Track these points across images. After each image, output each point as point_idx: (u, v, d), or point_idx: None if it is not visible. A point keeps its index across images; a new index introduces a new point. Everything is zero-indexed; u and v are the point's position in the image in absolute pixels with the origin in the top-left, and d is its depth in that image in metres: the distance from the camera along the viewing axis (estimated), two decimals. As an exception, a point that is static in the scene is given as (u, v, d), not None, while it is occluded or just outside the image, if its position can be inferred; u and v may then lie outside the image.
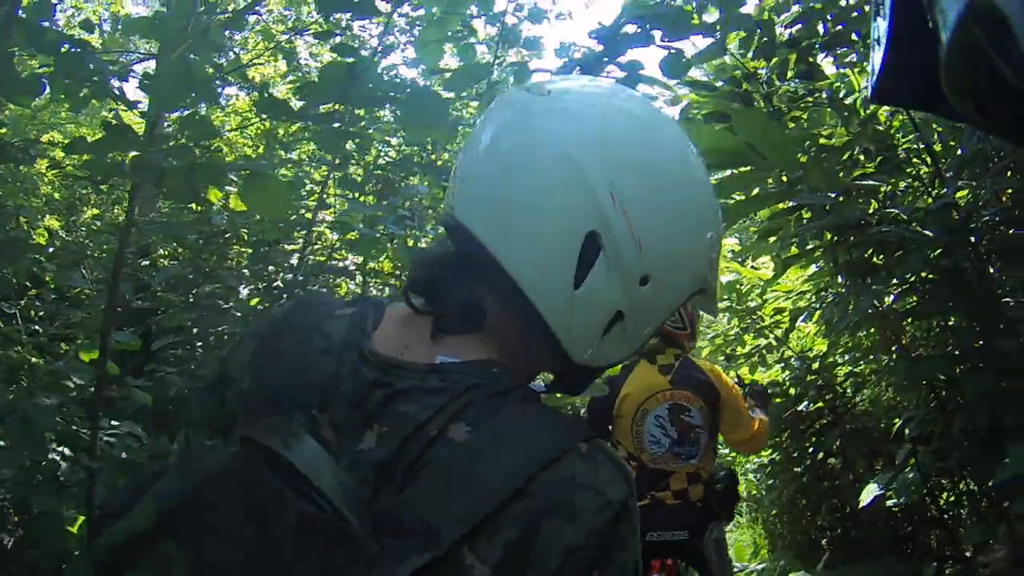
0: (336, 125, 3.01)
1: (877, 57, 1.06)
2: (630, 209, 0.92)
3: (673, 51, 2.95)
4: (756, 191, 3.36)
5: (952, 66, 0.83)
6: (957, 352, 3.82)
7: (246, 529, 0.84)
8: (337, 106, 2.93)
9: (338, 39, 4.04)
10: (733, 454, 6.53)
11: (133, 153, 2.62)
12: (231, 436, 0.91)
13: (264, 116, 3.07)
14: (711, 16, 3.50)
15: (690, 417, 3.78)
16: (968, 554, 4.11)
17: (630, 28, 2.89)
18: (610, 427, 3.86)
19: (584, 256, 0.93)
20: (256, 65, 9.61)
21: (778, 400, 5.26)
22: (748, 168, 2.51)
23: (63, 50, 2.66)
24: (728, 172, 2.71)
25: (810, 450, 5.51)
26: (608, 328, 0.98)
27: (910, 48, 0.98)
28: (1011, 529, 3.20)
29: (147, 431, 4.08)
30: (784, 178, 3.35)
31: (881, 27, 1.05)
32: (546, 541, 0.83)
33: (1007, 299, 3.56)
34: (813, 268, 4.34)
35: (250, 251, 5.77)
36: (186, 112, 3.00)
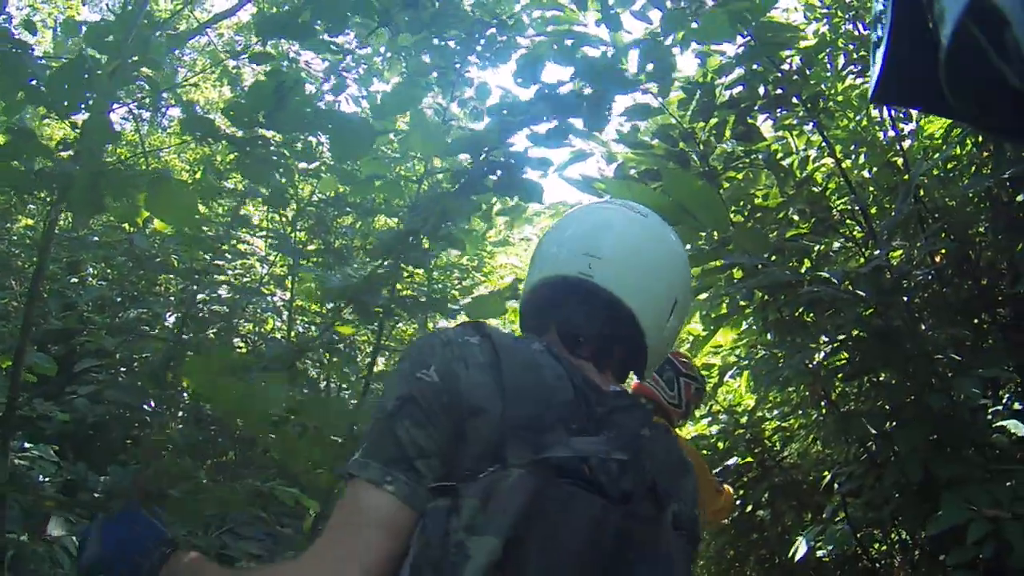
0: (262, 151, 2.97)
1: (877, 57, 1.06)
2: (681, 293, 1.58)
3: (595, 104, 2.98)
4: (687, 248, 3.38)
5: (952, 66, 0.84)
6: (888, 407, 3.86)
7: (572, 542, 1.15)
8: (263, 131, 2.89)
9: (284, 65, 4.00)
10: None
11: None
12: (506, 459, 1.19)
13: (192, 136, 3.02)
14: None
15: None
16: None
17: (566, 88, 2.92)
18: None
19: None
20: (193, 85, 9.49)
21: (705, 453, 5.27)
22: (683, 228, 2.52)
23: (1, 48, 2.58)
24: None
25: (738, 503, 5.52)
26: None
27: (910, 48, 0.98)
28: (948, 581, 3.23)
29: (64, 455, 3.97)
30: (716, 236, 3.38)
31: (881, 27, 1.05)
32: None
33: (939, 356, 3.61)
34: (744, 325, 4.35)
35: (179, 278, 5.68)
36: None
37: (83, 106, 2.55)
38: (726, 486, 4.17)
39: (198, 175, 8.35)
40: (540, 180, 3.06)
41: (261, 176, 3.13)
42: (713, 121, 3.96)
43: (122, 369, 5.28)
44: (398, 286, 3.50)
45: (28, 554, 3.12)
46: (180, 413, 5.44)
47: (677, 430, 4.15)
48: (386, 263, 3.25)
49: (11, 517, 3.07)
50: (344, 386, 6.23)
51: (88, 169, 2.46)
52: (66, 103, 2.50)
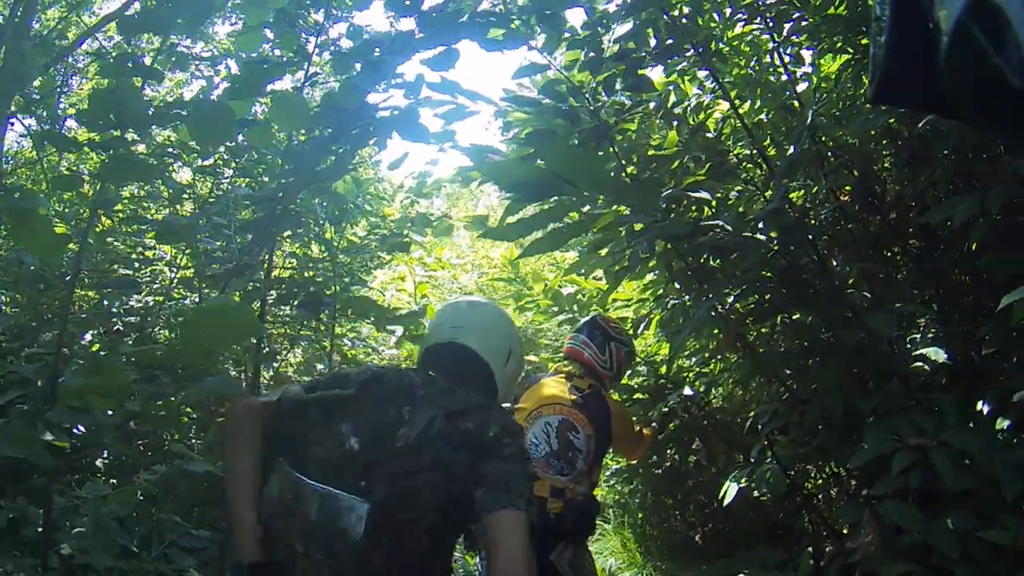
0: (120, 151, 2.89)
1: (877, 58, 1.06)
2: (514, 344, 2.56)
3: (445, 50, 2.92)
4: (575, 216, 3.35)
5: (952, 66, 0.85)
6: (804, 345, 3.89)
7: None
8: (116, 132, 2.80)
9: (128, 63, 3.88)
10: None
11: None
12: None
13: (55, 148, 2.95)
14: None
15: (575, 438, 3.91)
16: (846, 531, 4.20)
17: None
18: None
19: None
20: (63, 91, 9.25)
21: (631, 406, 5.31)
22: (565, 199, 2.50)
23: None
24: (545, 203, 2.70)
25: (669, 451, 5.56)
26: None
27: (910, 48, 0.98)
28: (874, 512, 3.26)
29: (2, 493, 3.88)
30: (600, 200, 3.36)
31: (881, 28, 1.05)
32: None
33: (851, 291, 3.65)
34: (650, 276, 4.36)
35: (91, 294, 5.54)
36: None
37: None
38: (644, 430, 4.37)
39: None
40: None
41: (125, 177, 3.05)
42: (603, 74, 3.91)
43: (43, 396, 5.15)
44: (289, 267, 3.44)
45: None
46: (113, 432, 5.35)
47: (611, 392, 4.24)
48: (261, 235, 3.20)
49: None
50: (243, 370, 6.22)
51: None
52: None
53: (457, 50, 2.95)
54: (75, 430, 3.00)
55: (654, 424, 4.78)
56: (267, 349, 6.15)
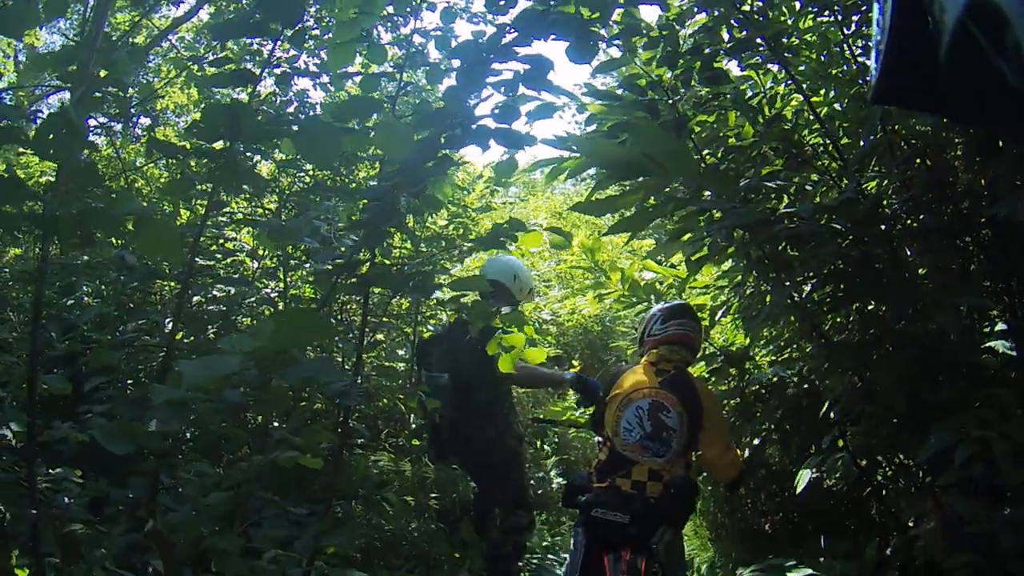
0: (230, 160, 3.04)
1: (878, 57, 1.09)
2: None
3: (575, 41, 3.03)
4: (653, 200, 3.43)
5: (952, 66, 0.86)
6: (878, 336, 3.92)
7: None
8: (227, 144, 2.96)
9: (245, 65, 4.05)
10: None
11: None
12: None
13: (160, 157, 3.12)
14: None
15: (667, 417, 4.06)
16: (911, 525, 4.22)
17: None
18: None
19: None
20: (159, 97, 9.48)
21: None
22: (652, 178, 2.58)
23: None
24: (630, 183, 2.78)
25: (746, 439, 5.58)
26: None
27: (910, 48, 1.00)
28: (936, 502, 3.29)
29: (83, 475, 4.05)
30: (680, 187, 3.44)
31: (882, 27, 1.07)
32: None
33: (926, 281, 3.66)
34: (728, 263, 4.42)
35: (172, 284, 5.74)
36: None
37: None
38: (736, 456, 4.35)
39: (179, 175, 8.37)
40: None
41: (233, 183, 3.21)
42: (680, 68, 3.99)
43: (129, 382, 5.35)
44: (384, 260, 3.59)
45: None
46: (191, 416, 5.53)
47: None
48: (368, 232, 3.34)
49: (45, 540, 3.15)
50: (340, 357, 6.36)
51: (74, 208, 2.54)
52: (52, 151, 2.57)
53: (550, 60, 3.05)
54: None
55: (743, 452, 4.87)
56: (373, 336, 6.32)
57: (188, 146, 3.20)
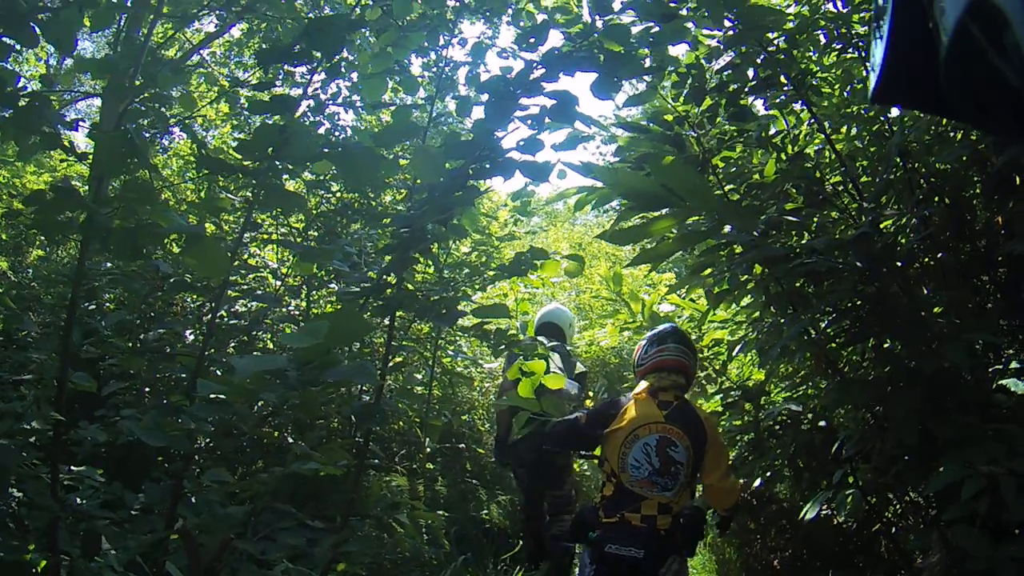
0: (272, 180, 3.13)
1: (878, 57, 1.08)
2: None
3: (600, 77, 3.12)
4: (675, 232, 3.49)
5: (952, 66, 0.86)
6: (891, 372, 3.94)
7: None
8: (270, 163, 3.05)
9: (277, 88, 4.16)
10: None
11: (81, 213, 2.72)
12: None
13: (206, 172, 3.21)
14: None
15: (675, 452, 4.11)
16: (919, 561, 4.23)
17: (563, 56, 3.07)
18: (600, 439, 4.30)
19: None
20: (198, 115, 9.60)
21: (720, 430, 5.38)
22: (674, 211, 2.65)
23: (21, 103, 2.75)
24: (653, 214, 2.85)
25: (758, 474, 5.60)
26: None
27: (910, 48, 1.00)
28: (943, 535, 3.32)
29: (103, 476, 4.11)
30: (701, 219, 3.49)
31: (881, 27, 1.07)
32: None
33: (941, 319, 3.69)
34: (747, 299, 4.46)
35: (195, 296, 5.82)
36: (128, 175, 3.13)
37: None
38: (735, 482, 4.43)
39: (203, 193, 8.51)
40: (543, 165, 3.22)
41: (274, 204, 3.31)
42: (706, 103, 4.08)
43: (147, 389, 5.43)
44: (407, 285, 3.66)
45: (82, 571, 3.26)
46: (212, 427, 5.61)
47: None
48: (396, 258, 3.42)
49: (63, 537, 3.21)
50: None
51: (127, 223, 2.64)
52: (108, 167, 2.68)
53: (576, 97, 3.14)
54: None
55: (742, 480, 4.89)
56: (393, 360, 6.39)
57: (234, 159, 3.29)
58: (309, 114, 5.06)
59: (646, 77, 3.89)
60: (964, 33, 0.81)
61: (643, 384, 4.39)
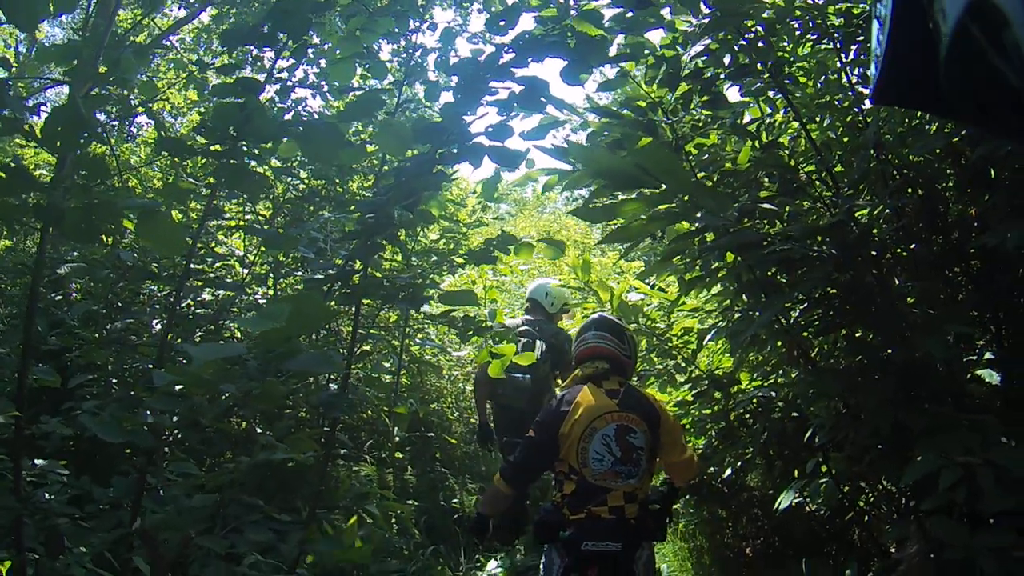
0: (234, 161, 3.05)
1: (877, 58, 1.08)
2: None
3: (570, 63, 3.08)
4: (649, 212, 3.46)
5: (952, 66, 0.85)
6: (864, 362, 3.94)
7: None
8: (233, 143, 2.98)
9: (246, 71, 4.08)
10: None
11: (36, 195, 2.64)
12: None
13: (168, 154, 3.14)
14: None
15: (634, 438, 4.08)
16: (892, 551, 4.24)
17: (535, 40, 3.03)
18: (556, 443, 4.13)
19: None
20: (162, 99, 9.46)
21: (685, 422, 5.38)
22: (648, 192, 2.61)
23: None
24: (626, 195, 2.81)
25: (727, 463, 5.59)
26: None
27: (910, 48, 0.99)
28: (921, 526, 3.32)
29: (68, 472, 4.04)
30: (685, 199, 3.46)
31: (881, 27, 1.07)
32: None
33: (915, 310, 3.68)
34: (718, 287, 4.44)
35: (162, 286, 5.73)
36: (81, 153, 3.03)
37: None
38: (692, 454, 4.44)
39: (171, 179, 8.38)
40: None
41: (237, 184, 3.22)
42: (681, 90, 4.05)
43: (114, 381, 5.34)
44: (374, 272, 3.60)
45: (48, 570, 3.19)
46: (175, 418, 5.54)
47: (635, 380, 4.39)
48: (362, 244, 3.36)
49: (28, 535, 3.14)
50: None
51: (81, 202, 2.54)
52: (59, 143, 2.58)
53: (546, 82, 3.09)
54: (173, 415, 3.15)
55: (712, 468, 5.00)
56: (360, 349, 6.35)
57: (197, 143, 3.22)
58: (276, 98, 4.97)
59: (619, 64, 3.85)
60: (964, 33, 0.81)
61: (577, 375, 4.39)
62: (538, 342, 6.83)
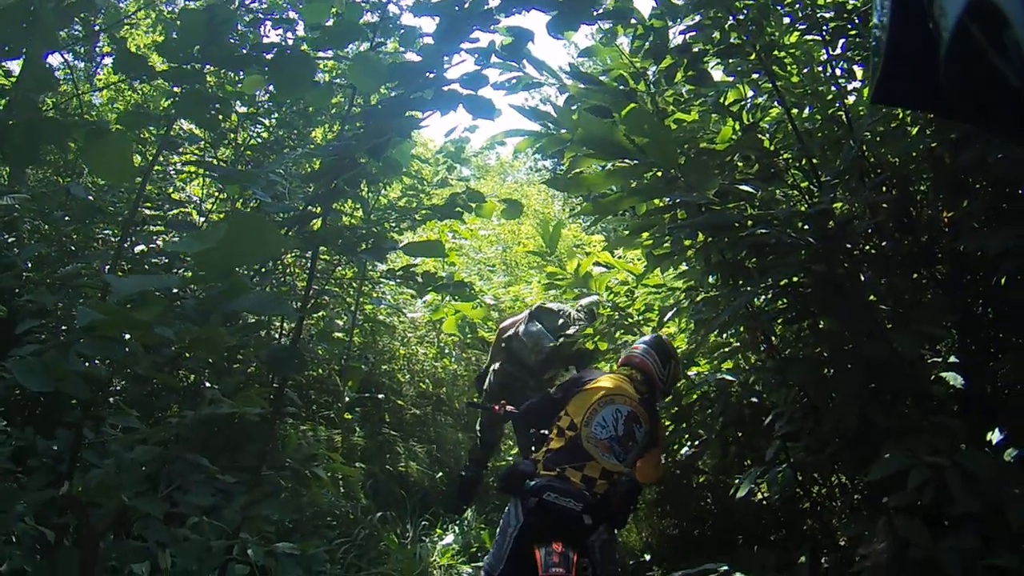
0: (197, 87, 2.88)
1: (878, 58, 1.07)
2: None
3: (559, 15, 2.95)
4: (633, 184, 3.38)
5: (952, 66, 0.85)
6: (825, 354, 3.92)
7: None
8: (197, 66, 2.81)
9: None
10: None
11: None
12: None
13: (124, 76, 2.94)
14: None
15: (638, 430, 4.25)
16: (842, 543, 4.28)
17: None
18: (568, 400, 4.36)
19: None
20: (130, 25, 9.17)
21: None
22: (629, 163, 2.53)
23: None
24: (608, 165, 2.72)
25: (682, 446, 5.55)
26: None
27: (910, 49, 0.99)
28: (891, 523, 3.30)
29: (10, 421, 3.89)
30: (659, 175, 3.39)
31: (882, 28, 1.05)
32: None
33: (883, 306, 3.67)
34: (684, 266, 4.40)
35: (117, 229, 5.56)
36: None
37: (23, 51, 2.45)
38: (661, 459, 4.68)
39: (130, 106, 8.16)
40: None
41: (198, 113, 3.05)
42: (665, 63, 3.98)
43: (63, 328, 5.18)
44: (339, 220, 3.47)
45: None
46: (126, 369, 5.39)
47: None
48: (323, 187, 3.22)
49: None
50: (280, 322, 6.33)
51: (23, 118, 2.36)
52: (7, 48, 2.40)
53: (531, 32, 2.98)
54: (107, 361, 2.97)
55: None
56: (313, 301, 6.20)
57: (160, 66, 3.03)
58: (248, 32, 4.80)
59: (603, 27, 3.75)
60: (964, 33, 0.81)
61: (621, 368, 4.62)
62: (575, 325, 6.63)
